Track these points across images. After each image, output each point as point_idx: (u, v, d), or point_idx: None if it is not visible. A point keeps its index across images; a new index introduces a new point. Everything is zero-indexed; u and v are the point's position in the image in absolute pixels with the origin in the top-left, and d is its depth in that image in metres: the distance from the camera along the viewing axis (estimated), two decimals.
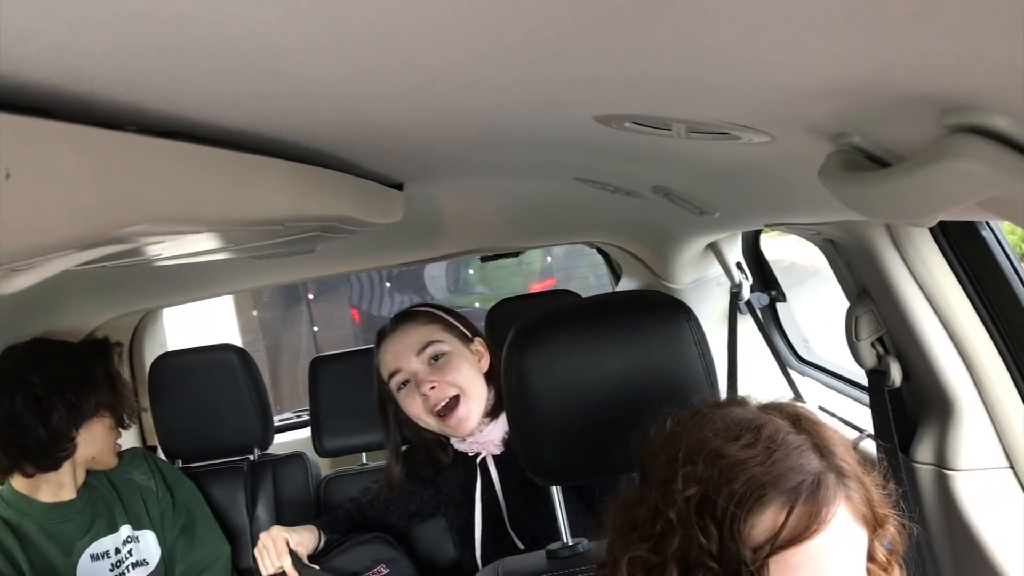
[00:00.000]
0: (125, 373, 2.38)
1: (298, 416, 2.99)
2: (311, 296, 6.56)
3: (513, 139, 1.10)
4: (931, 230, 1.30)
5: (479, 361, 1.76)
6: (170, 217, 0.69)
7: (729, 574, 0.86)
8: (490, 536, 1.77)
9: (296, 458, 2.35)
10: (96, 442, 1.89)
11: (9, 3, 0.39)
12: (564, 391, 1.27)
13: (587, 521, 1.45)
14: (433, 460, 1.82)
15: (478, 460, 1.76)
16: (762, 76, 0.59)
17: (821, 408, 1.94)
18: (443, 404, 1.69)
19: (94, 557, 1.90)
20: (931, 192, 0.58)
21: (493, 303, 2.59)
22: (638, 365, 1.27)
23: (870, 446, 1.52)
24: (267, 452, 2.36)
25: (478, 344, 1.79)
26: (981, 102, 0.51)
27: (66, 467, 1.85)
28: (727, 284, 2.21)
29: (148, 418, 2.41)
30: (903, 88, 0.54)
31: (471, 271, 6.45)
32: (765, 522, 0.86)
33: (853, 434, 1.67)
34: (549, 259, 6.62)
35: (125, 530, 1.96)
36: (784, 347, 2.34)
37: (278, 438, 2.49)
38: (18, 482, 1.84)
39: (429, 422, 1.72)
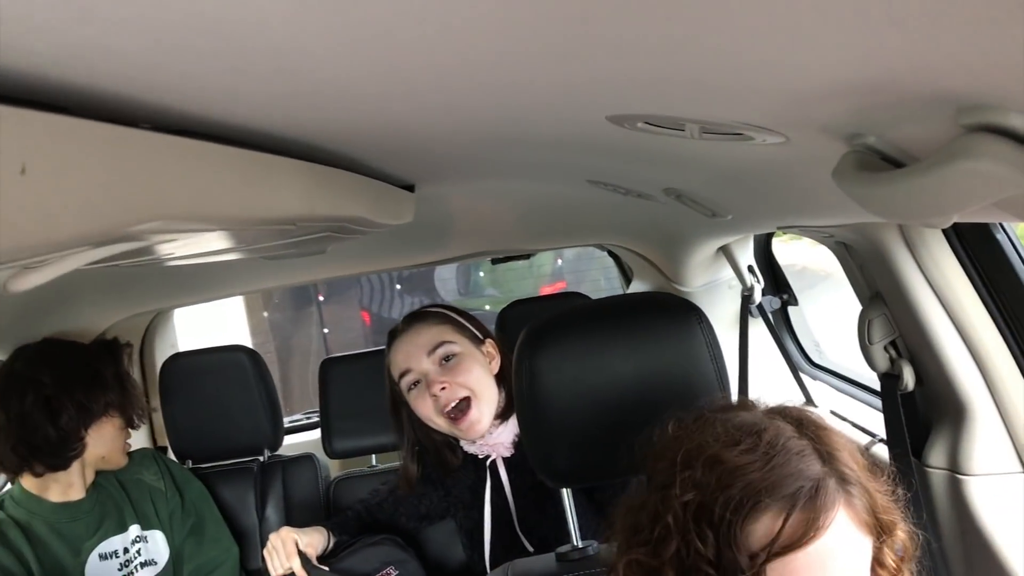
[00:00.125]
0: (136, 373, 2.39)
1: (308, 418, 2.99)
2: (321, 298, 6.56)
3: (525, 140, 1.09)
4: (945, 233, 1.30)
5: (490, 363, 1.75)
6: (182, 215, 0.69)
7: None
8: (499, 538, 1.76)
9: (306, 459, 2.35)
10: (105, 442, 1.90)
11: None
12: (575, 393, 1.26)
13: (597, 523, 1.45)
14: (442, 462, 1.82)
15: (488, 462, 1.76)
16: (776, 76, 0.59)
17: (833, 413, 1.93)
18: (453, 405, 1.69)
19: (103, 556, 1.90)
20: (947, 192, 0.57)
21: (503, 306, 2.58)
22: (649, 367, 1.26)
23: (883, 451, 1.52)
24: (277, 453, 2.37)
25: (489, 346, 1.78)
26: (997, 101, 0.50)
27: (75, 467, 1.86)
28: (739, 287, 2.21)
29: (159, 418, 2.41)
30: (918, 87, 0.54)
31: (481, 273, 6.44)
32: (762, 528, 0.86)
33: (865, 439, 1.67)
34: (560, 262, 6.61)
35: (134, 530, 1.97)
36: (796, 351, 2.33)
37: (288, 440, 2.49)
38: (28, 481, 1.85)
39: (439, 423, 1.72)
